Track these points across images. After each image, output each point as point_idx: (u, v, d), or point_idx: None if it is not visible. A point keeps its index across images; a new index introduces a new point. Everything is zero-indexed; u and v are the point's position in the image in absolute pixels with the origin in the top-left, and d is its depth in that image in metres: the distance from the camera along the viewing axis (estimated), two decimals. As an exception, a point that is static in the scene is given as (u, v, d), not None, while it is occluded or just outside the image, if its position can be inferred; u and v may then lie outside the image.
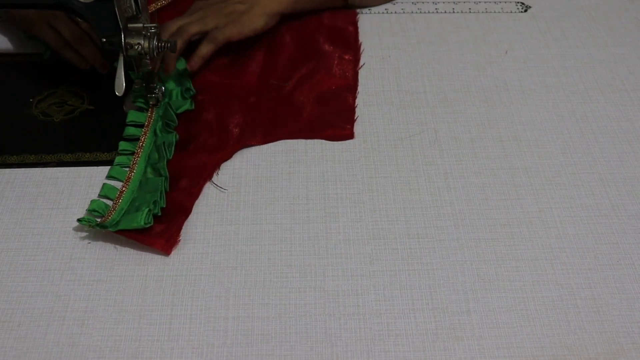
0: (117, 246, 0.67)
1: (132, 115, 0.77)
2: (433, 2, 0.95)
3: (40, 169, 0.73)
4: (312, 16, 0.91)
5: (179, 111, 0.78)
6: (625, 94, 0.83)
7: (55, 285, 0.64)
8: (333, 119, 0.78)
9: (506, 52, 0.88)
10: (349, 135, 0.77)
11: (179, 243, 0.67)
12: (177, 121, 0.76)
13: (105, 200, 0.70)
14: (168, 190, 0.71)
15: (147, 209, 0.67)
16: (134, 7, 0.69)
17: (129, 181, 0.71)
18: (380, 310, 0.62)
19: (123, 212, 0.68)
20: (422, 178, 0.73)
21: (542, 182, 0.73)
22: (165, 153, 0.73)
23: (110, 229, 0.66)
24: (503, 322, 0.62)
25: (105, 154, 0.75)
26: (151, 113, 0.77)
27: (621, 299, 0.63)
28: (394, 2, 0.95)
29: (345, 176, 0.73)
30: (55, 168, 0.73)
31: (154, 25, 0.70)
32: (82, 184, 0.72)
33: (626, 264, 0.66)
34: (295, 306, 0.63)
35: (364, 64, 0.85)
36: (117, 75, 0.70)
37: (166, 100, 0.78)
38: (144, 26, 0.70)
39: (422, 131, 0.78)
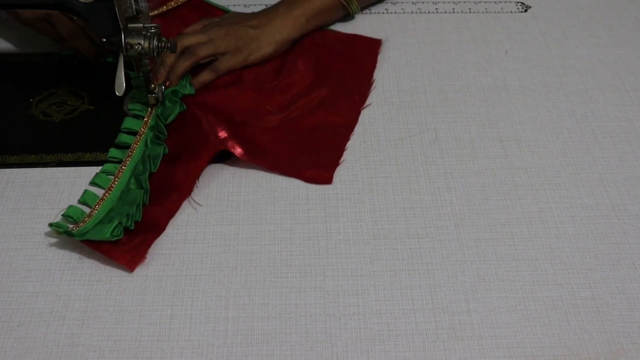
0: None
1: (127, 123, 0.76)
2: (433, 2, 0.95)
3: (40, 169, 0.73)
4: (334, 44, 0.87)
5: (168, 120, 0.75)
6: (625, 94, 0.83)
7: (55, 285, 0.64)
8: (317, 159, 0.74)
9: (506, 52, 0.88)
10: (328, 180, 0.72)
11: (145, 260, 0.65)
12: (166, 133, 0.74)
13: (83, 207, 0.69)
14: (147, 203, 0.69)
15: (118, 221, 0.66)
16: (134, 7, 0.69)
17: (110, 190, 0.70)
18: (380, 310, 0.62)
19: (97, 221, 0.67)
20: (422, 178, 0.73)
21: (542, 182, 0.73)
22: (150, 165, 0.71)
23: (77, 238, 0.65)
24: (503, 322, 0.62)
25: (105, 154, 0.74)
26: (147, 119, 0.76)
27: (621, 299, 0.63)
28: (394, 2, 0.95)
29: (345, 176, 0.73)
30: (55, 168, 0.73)
31: (154, 25, 0.70)
32: (82, 184, 0.72)
33: (626, 264, 0.66)
34: (295, 306, 0.63)
35: (369, 104, 0.80)
36: (117, 75, 0.70)
37: (158, 111, 0.76)
38: (144, 26, 0.70)
39: (422, 131, 0.78)
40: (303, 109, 0.79)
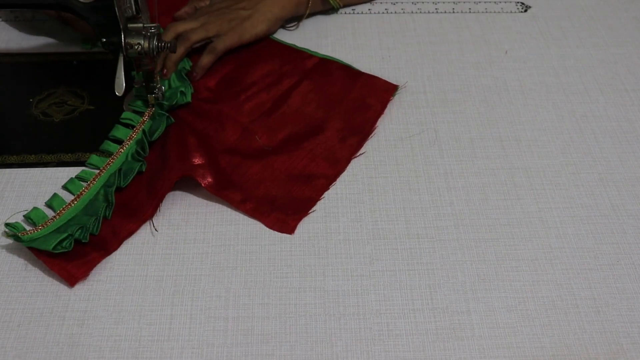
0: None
1: (116, 131, 0.75)
2: (433, 2, 0.95)
3: (40, 169, 0.73)
4: (345, 80, 0.82)
5: (154, 137, 0.73)
6: (625, 94, 0.83)
7: (55, 285, 0.64)
8: (286, 206, 0.70)
9: (506, 52, 0.88)
10: (288, 230, 0.68)
11: (87, 278, 0.64)
12: (148, 151, 0.73)
13: (48, 211, 0.68)
14: (110, 218, 0.67)
15: (67, 234, 0.64)
16: (134, 7, 0.69)
17: (78, 198, 0.69)
18: (380, 310, 0.62)
19: (51, 230, 0.65)
20: (422, 178, 0.73)
21: (542, 182, 0.73)
22: (120, 180, 0.70)
23: (24, 245, 0.64)
24: (503, 322, 0.62)
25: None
26: (137, 129, 0.75)
27: (621, 299, 0.63)
28: (394, 2, 0.95)
29: (345, 176, 0.73)
30: (55, 168, 0.73)
31: (154, 25, 0.70)
32: (82, 184, 0.72)
33: (626, 264, 0.66)
34: (295, 306, 0.63)
35: (364, 152, 0.75)
36: (117, 75, 0.70)
37: (147, 125, 0.75)
38: (144, 26, 0.70)
39: (422, 131, 0.78)
40: (291, 149, 0.74)
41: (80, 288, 0.64)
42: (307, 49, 0.86)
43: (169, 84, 0.80)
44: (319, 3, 0.90)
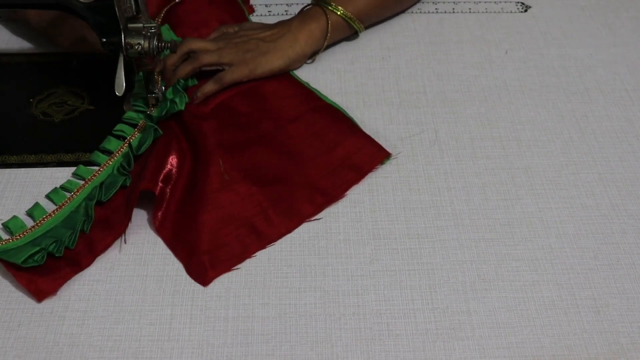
0: (117, 246, 0.67)
1: (107, 142, 0.74)
2: (433, 2, 0.95)
3: (40, 169, 0.73)
4: (339, 133, 0.75)
5: (141, 150, 0.72)
6: (625, 94, 0.83)
7: (55, 285, 0.64)
8: (215, 254, 0.65)
9: (506, 52, 0.88)
10: (204, 282, 0.64)
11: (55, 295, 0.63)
12: (132, 166, 0.71)
13: (28, 219, 0.67)
14: (88, 232, 0.66)
15: (40, 247, 0.63)
16: (134, 7, 0.69)
17: (59, 209, 0.68)
18: (380, 310, 0.62)
19: (26, 241, 0.64)
20: (422, 178, 0.73)
21: (542, 182, 0.73)
22: (102, 194, 0.69)
23: None
24: (503, 322, 0.62)
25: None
26: (130, 139, 0.74)
27: (621, 299, 0.64)
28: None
29: (345, 176, 0.73)
30: (55, 168, 0.73)
31: (154, 25, 0.70)
32: (82, 184, 0.72)
33: (626, 264, 0.66)
34: (295, 306, 0.63)
35: (321, 218, 0.69)
36: (117, 75, 0.70)
37: (135, 141, 0.74)
38: (144, 26, 0.70)
39: (422, 131, 0.78)
40: (249, 193, 0.70)
41: (80, 288, 0.64)
42: (318, 91, 0.81)
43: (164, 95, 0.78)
44: (347, 29, 0.86)
